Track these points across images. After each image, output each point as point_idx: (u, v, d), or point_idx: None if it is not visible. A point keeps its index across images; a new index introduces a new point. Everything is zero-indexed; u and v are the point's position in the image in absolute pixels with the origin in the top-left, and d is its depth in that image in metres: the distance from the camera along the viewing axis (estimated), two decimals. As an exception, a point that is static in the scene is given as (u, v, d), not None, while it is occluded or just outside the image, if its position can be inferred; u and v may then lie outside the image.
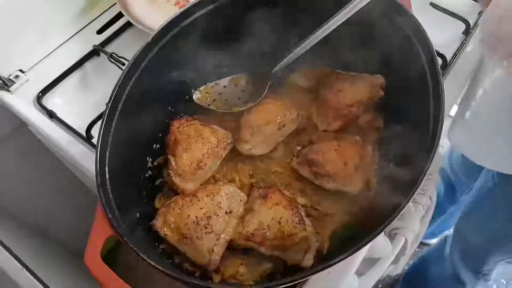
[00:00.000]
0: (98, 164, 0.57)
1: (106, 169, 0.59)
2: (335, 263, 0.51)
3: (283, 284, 0.51)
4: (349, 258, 0.64)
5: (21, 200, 1.18)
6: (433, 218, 1.60)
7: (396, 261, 1.15)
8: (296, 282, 0.52)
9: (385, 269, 0.94)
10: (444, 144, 1.65)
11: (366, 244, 0.53)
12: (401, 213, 0.59)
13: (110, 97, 0.67)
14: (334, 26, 0.70)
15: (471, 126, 0.96)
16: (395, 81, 0.75)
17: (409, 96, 0.72)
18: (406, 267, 1.83)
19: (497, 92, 0.87)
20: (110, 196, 0.56)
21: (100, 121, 0.65)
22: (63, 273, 1.05)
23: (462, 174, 1.40)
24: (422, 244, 1.90)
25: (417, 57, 0.68)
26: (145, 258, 0.50)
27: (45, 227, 1.27)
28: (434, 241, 1.91)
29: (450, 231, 1.80)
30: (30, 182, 1.19)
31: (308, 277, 0.70)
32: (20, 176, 1.17)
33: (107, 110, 0.64)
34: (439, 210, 1.58)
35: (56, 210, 1.30)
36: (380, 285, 1.84)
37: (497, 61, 0.68)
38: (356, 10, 0.66)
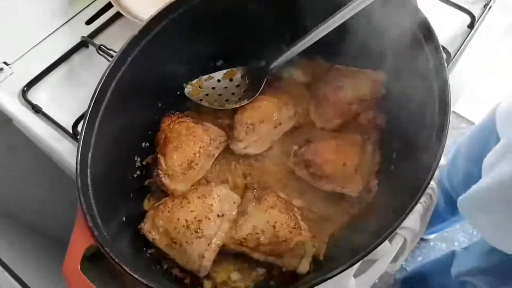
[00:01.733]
0: (79, 167, 0.54)
1: (88, 172, 0.55)
2: (332, 276, 0.47)
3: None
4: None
5: (8, 196, 1.15)
6: (433, 224, 1.58)
7: (395, 259, 1.13)
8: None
9: (384, 269, 0.91)
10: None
11: (367, 253, 0.50)
12: (406, 218, 0.56)
13: (94, 93, 0.63)
14: (337, 24, 0.66)
15: (489, 208, 0.92)
16: (398, 77, 0.71)
17: (412, 93, 0.68)
18: (408, 269, 1.82)
19: None
20: (92, 201, 0.53)
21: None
22: (49, 271, 1.02)
23: (463, 190, 1.35)
24: (421, 239, 1.89)
25: (421, 52, 0.64)
26: (127, 270, 0.46)
27: (34, 223, 1.24)
28: (432, 236, 1.90)
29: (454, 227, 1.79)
30: (17, 177, 1.15)
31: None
32: (7, 172, 1.13)
33: (90, 108, 0.60)
34: (439, 218, 1.55)
35: (45, 206, 1.27)
36: (377, 281, 1.83)
37: None
38: (361, 7, 0.62)
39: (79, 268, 0.46)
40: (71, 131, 0.81)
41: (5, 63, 0.92)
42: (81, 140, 0.56)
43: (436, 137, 0.60)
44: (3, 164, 1.11)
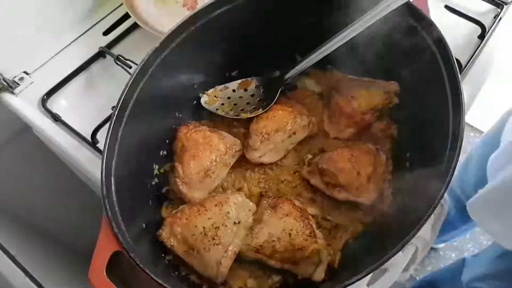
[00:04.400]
0: (104, 175, 0.55)
1: (112, 180, 0.56)
2: (349, 284, 0.48)
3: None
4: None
5: (25, 203, 1.17)
6: (444, 232, 1.57)
7: (405, 268, 1.13)
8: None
9: (395, 278, 0.91)
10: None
11: (383, 263, 0.50)
12: (422, 227, 0.57)
13: (117, 103, 0.64)
14: (352, 36, 0.68)
15: (498, 206, 0.92)
16: (411, 87, 0.73)
17: (425, 103, 0.69)
18: (417, 278, 1.80)
19: None
20: (116, 208, 0.54)
21: (107, 125, 0.62)
22: (64, 275, 1.03)
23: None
24: (430, 248, 1.88)
25: (434, 62, 0.65)
26: (151, 275, 0.47)
27: (50, 230, 1.25)
28: (442, 245, 1.89)
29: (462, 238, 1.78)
30: (34, 185, 1.17)
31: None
32: (24, 179, 1.15)
33: (115, 116, 0.61)
34: (451, 226, 1.55)
35: (61, 213, 1.29)
36: (386, 290, 1.82)
37: None
38: (376, 19, 0.64)
39: (105, 274, 0.47)
40: (90, 140, 0.83)
41: (25, 72, 0.94)
42: (106, 148, 0.58)
43: (450, 145, 0.61)
44: (19, 172, 1.13)
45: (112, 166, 0.57)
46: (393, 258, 0.91)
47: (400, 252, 0.94)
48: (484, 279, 1.25)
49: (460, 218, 1.50)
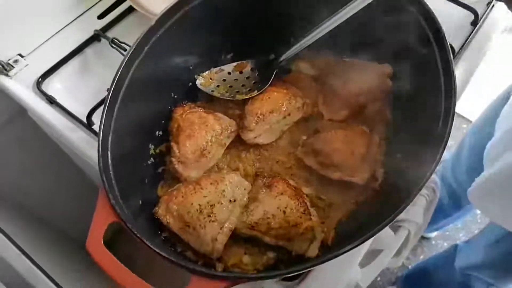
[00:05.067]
0: (100, 148, 0.56)
1: (109, 154, 0.57)
2: (343, 253, 0.50)
3: (289, 273, 0.50)
4: (355, 249, 0.62)
5: (19, 187, 1.17)
6: (437, 219, 1.59)
7: (398, 253, 1.15)
8: (302, 272, 0.51)
9: (388, 260, 0.93)
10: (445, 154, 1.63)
11: (374, 234, 0.52)
12: (410, 204, 0.58)
13: (112, 82, 0.65)
14: (346, 17, 0.68)
15: (497, 192, 0.93)
16: (404, 69, 0.74)
17: (418, 84, 0.70)
18: (410, 267, 1.83)
19: None
20: (113, 181, 0.55)
21: (102, 107, 0.63)
22: (61, 259, 1.04)
23: (468, 184, 1.37)
24: (422, 237, 1.90)
25: (426, 42, 0.66)
26: (149, 244, 0.48)
27: (44, 214, 1.26)
28: (434, 234, 1.92)
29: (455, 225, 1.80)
30: (28, 169, 1.18)
31: (313, 268, 0.69)
32: (18, 163, 1.15)
33: (109, 96, 0.62)
34: (443, 213, 1.57)
35: (55, 198, 1.29)
36: (379, 278, 1.84)
37: None
38: (370, 0, 0.64)
39: (102, 243, 0.48)
40: (85, 121, 0.83)
41: (20, 55, 0.94)
42: (102, 123, 0.58)
43: (442, 124, 0.62)
44: (14, 156, 1.13)
45: (108, 141, 0.58)
46: (386, 239, 0.92)
47: (393, 234, 0.97)
48: (477, 267, 1.28)
49: (453, 205, 1.53)
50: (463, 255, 1.37)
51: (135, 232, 0.49)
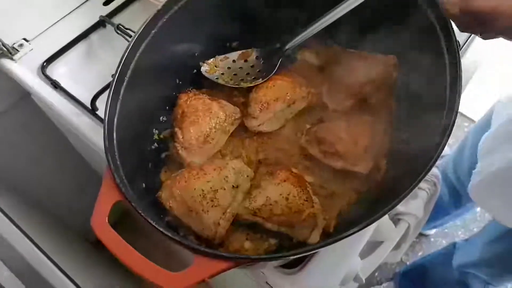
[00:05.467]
0: (106, 129, 0.56)
1: (114, 135, 0.57)
2: (347, 236, 0.50)
3: (292, 255, 0.51)
4: (355, 239, 0.63)
5: (21, 173, 1.17)
6: (437, 217, 1.60)
7: (397, 246, 1.15)
8: (305, 254, 0.51)
9: (388, 252, 0.93)
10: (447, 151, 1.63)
11: (378, 219, 0.52)
12: (411, 193, 0.58)
13: (118, 65, 0.65)
14: (353, 6, 0.68)
15: (501, 190, 0.94)
16: (410, 60, 0.74)
17: (423, 75, 0.70)
18: (407, 263, 1.83)
19: None
20: (118, 162, 0.55)
21: (106, 92, 0.63)
22: (64, 246, 1.04)
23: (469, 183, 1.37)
24: (420, 235, 1.91)
25: (432, 32, 0.66)
26: (153, 224, 0.49)
27: (45, 201, 1.26)
28: (433, 232, 1.92)
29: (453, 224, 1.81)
30: (31, 155, 1.18)
31: (315, 252, 0.69)
32: (21, 149, 1.15)
33: (115, 79, 0.62)
34: (443, 211, 1.57)
35: (57, 186, 1.29)
36: (377, 273, 1.85)
37: None
38: None
39: (107, 221, 0.48)
40: (89, 106, 0.83)
41: (25, 39, 0.94)
42: (108, 104, 0.58)
43: (446, 117, 0.62)
44: (17, 141, 1.13)
45: (114, 123, 0.58)
46: (386, 231, 0.93)
47: (393, 226, 0.97)
48: (475, 265, 1.28)
49: (453, 203, 1.53)
50: (461, 253, 1.38)
51: (140, 212, 0.49)
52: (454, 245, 1.43)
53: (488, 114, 1.24)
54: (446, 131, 0.60)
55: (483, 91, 1.82)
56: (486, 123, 1.21)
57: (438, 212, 1.52)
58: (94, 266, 1.23)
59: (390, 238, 0.93)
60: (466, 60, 0.93)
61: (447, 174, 1.45)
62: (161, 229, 0.48)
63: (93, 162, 1.19)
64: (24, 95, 0.97)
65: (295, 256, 0.52)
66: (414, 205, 1.01)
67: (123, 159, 0.57)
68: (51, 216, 1.25)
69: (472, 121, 2.12)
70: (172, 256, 0.97)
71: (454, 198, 1.50)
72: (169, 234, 0.47)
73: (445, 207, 1.54)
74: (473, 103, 1.83)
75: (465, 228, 1.93)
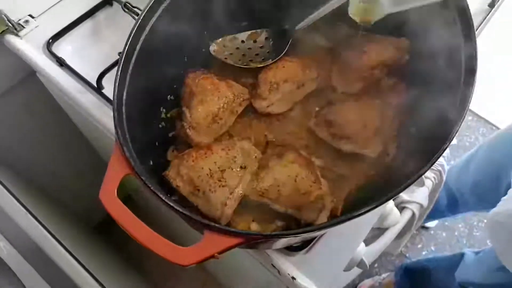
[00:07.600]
0: (116, 101, 0.55)
1: (123, 109, 0.56)
2: (359, 214, 0.49)
3: (302, 233, 0.50)
4: (363, 220, 0.62)
5: (24, 153, 1.17)
6: (434, 216, 1.58)
7: (400, 235, 1.15)
8: (315, 233, 0.51)
9: (391, 240, 0.93)
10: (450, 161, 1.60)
11: (390, 199, 0.51)
12: (420, 177, 0.57)
13: (125, 44, 0.64)
14: None
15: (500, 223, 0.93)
16: (422, 44, 0.72)
17: (437, 60, 0.69)
18: (407, 256, 1.83)
19: None
20: (127, 136, 0.54)
21: (112, 71, 0.62)
22: (63, 224, 1.04)
23: (469, 196, 1.36)
24: (422, 227, 1.91)
25: (447, 15, 0.65)
26: (162, 198, 0.48)
27: (48, 183, 1.26)
28: (433, 225, 1.92)
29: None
30: (34, 136, 1.17)
31: (322, 235, 0.69)
32: (25, 129, 1.14)
33: (123, 56, 0.61)
34: (440, 214, 1.56)
35: (58, 168, 1.29)
36: (376, 265, 1.85)
37: None
38: None
39: (115, 194, 0.47)
40: (95, 85, 0.82)
41: (30, 15, 0.93)
42: (118, 79, 0.57)
43: (459, 105, 0.61)
44: (21, 121, 1.12)
45: (123, 96, 0.57)
46: (391, 218, 0.92)
47: (399, 213, 0.96)
48: (475, 287, 1.27)
49: (450, 209, 1.52)
50: (466, 267, 1.36)
51: (149, 185, 0.48)
52: (462, 255, 1.41)
53: (501, 135, 1.20)
54: (458, 119, 0.59)
55: (499, 88, 1.78)
56: (495, 146, 1.18)
57: (436, 215, 1.51)
58: (95, 248, 1.23)
59: (394, 225, 0.93)
60: (481, 41, 0.91)
61: (449, 182, 1.42)
62: (171, 203, 0.47)
63: (96, 143, 1.18)
64: (29, 74, 0.96)
65: (305, 234, 0.51)
66: (419, 194, 1.01)
67: (131, 134, 0.56)
68: (54, 198, 1.25)
69: (488, 122, 2.04)
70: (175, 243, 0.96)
71: (451, 206, 1.49)
72: (179, 209, 0.47)
73: (442, 211, 1.54)
74: (487, 102, 1.80)
75: (465, 222, 1.93)
